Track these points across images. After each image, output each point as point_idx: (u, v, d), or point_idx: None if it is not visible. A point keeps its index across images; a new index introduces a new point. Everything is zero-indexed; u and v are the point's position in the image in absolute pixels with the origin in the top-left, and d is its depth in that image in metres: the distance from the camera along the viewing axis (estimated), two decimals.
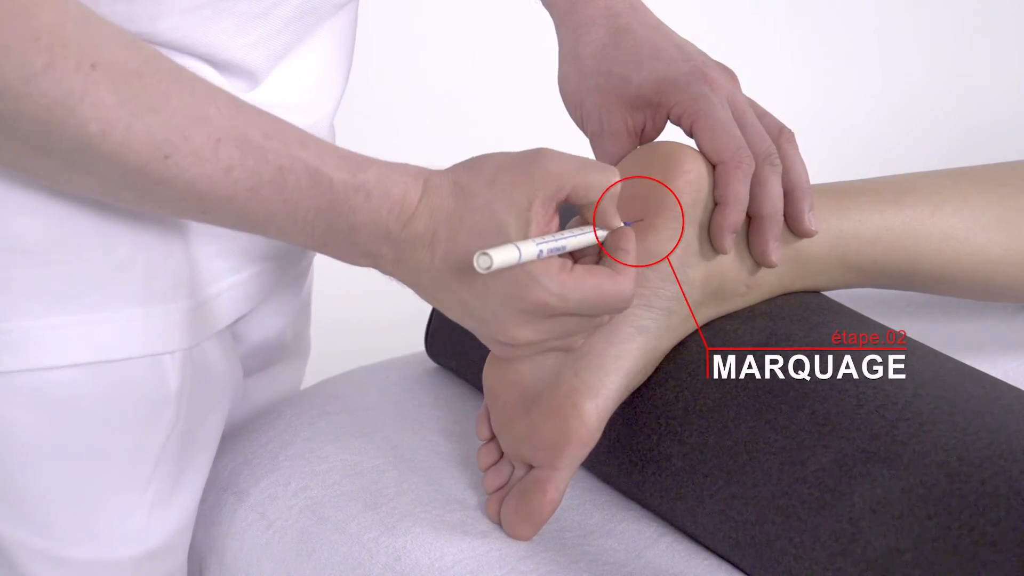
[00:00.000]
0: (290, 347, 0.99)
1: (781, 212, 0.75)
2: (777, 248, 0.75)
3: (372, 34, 1.49)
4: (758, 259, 0.76)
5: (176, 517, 0.79)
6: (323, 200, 0.65)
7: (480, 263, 0.61)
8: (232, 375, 0.83)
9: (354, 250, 0.67)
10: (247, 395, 0.95)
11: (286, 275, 0.88)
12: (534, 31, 1.50)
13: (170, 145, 0.60)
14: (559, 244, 0.65)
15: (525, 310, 0.65)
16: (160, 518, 0.78)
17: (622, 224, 0.69)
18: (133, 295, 0.71)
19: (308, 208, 0.65)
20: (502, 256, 0.61)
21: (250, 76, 0.73)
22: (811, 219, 0.76)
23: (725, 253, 0.74)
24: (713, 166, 0.74)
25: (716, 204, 0.74)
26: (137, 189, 0.62)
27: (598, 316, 0.69)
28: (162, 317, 0.73)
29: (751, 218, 0.75)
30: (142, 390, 0.73)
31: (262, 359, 0.96)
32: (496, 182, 0.65)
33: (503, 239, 0.64)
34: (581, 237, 0.67)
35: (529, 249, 0.63)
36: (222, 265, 0.77)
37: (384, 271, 0.69)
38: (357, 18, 0.85)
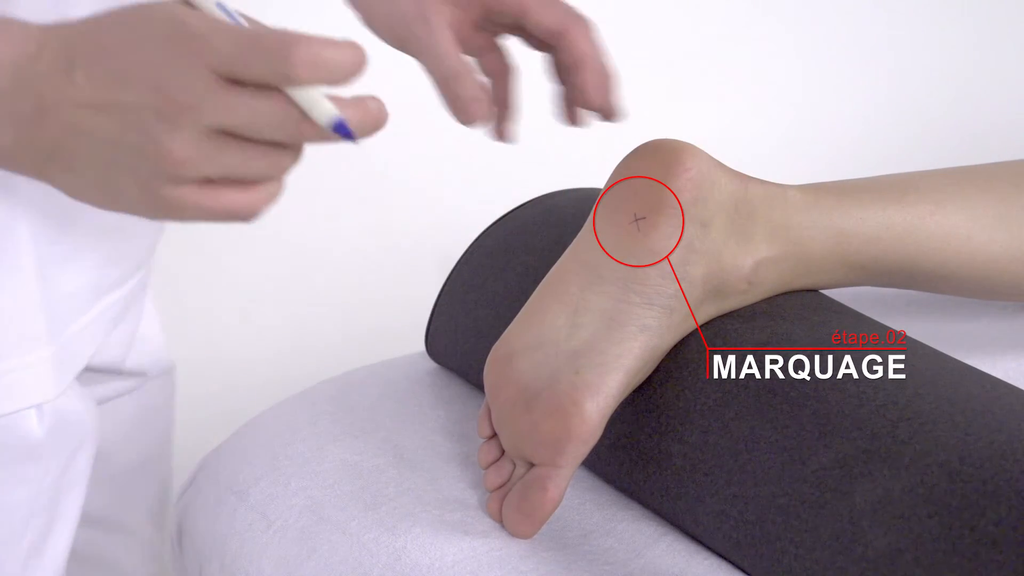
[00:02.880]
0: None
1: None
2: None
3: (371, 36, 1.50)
4: (600, 105, 0.76)
5: (50, 564, 0.77)
6: None
7: None
8: (90, 414, 0.78)
9: None
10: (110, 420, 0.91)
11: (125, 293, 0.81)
12: None
13: None
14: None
15: (179, 76, 0.56)
16: (34, 568, 0.76)
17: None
18: None
19: None
20: None
21: None
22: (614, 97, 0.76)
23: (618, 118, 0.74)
24: (581, 73, 0.74)
25: (567, 73, 0.75)
26: None
27: (276, 133, 0.58)
28: (21, 371, 0.69)
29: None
30: (3, 449, 0.70)
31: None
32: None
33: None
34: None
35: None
36: (74, 304, 0.73)
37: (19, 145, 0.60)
38: None
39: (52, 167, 0.59)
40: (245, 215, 0.60)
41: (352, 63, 0.55)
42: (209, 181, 0.58)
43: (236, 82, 0.56)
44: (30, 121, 0.58)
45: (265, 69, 0.55)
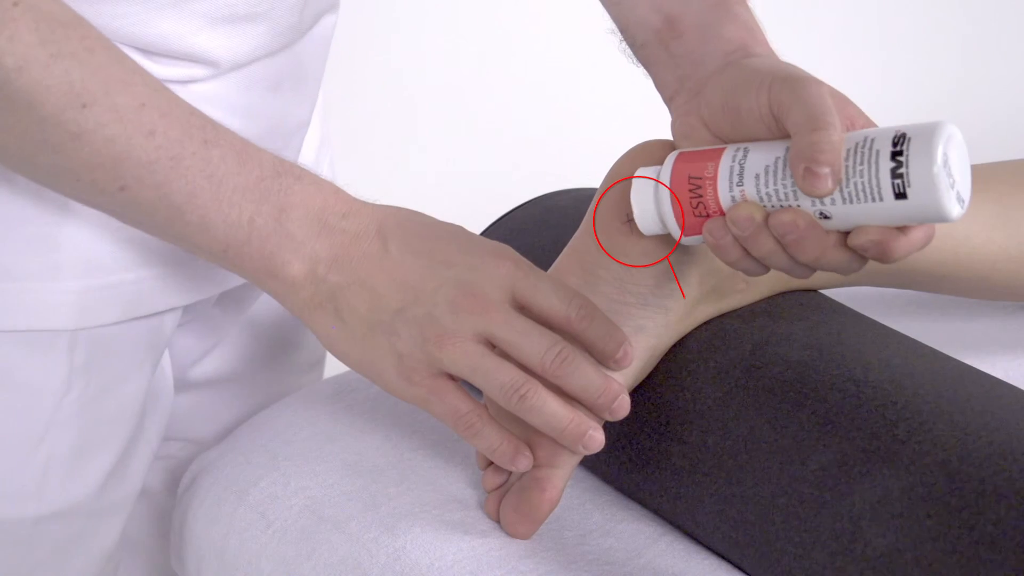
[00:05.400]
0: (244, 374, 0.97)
1: None
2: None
3: (372, 36, 1.50)
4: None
5: (84, 482, 0.78)
6: (251, 177, 0.62)
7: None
8: (149, 355, 0.79)
9: (282, 247, 0.64)
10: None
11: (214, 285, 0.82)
12: (528, 30, 1.50)
13: (89, 95, 0.57)
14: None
15: (483, 294, 0.64)
16: (59, 481, 0.76)
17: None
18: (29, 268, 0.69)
19: (234, 187, 0.62)
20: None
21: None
22: None
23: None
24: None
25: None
26: (52, 146, 0.59)
27: (529, 397, 0.65)
28: (50, 294, 0.71)
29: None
30: (25, 355, 0.71)
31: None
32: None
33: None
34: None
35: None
36: (137, 254, 0.74)
37: (313, 282, 0.65)
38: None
39: (322, 310, 0.65)
40: (461, 423, 0.68)
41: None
42: (448, 377, 0.66)
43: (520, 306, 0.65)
44: (327, 265, 0.64)
45: (560, 316, 0.66)
